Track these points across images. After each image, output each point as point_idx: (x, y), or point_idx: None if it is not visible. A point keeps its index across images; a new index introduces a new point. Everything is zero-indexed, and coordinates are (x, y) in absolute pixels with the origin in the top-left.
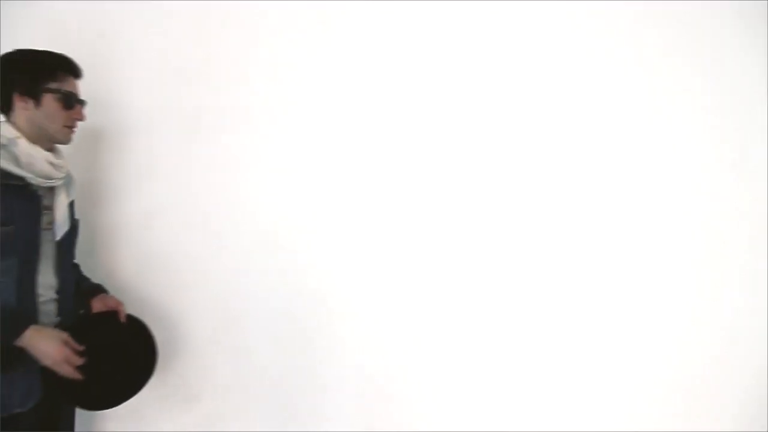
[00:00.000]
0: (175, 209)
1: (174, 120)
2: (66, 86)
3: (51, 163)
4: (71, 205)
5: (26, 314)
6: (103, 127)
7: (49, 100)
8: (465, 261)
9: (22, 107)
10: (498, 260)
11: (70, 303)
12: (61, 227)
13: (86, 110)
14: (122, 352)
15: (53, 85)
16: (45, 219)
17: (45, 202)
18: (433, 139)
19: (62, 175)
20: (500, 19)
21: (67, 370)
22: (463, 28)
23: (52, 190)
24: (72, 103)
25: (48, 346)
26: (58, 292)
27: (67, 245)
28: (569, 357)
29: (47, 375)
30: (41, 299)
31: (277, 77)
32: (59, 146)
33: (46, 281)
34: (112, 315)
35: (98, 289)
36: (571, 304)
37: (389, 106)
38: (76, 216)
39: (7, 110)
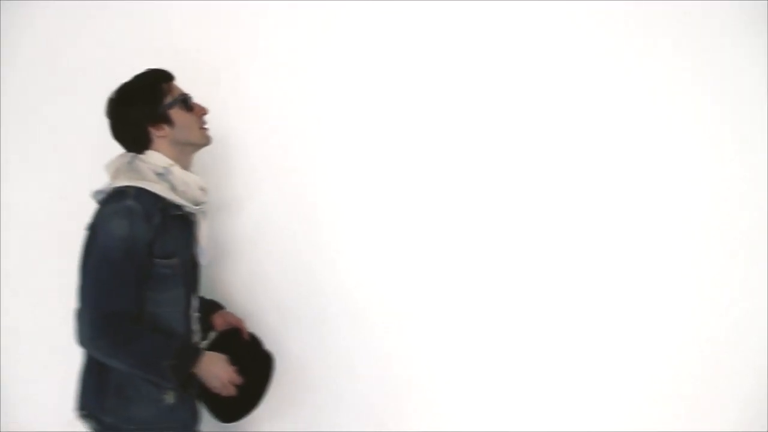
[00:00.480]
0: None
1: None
2: (176, 92)
3: (201, 188)
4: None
5: (192, 339)
6: None
7: (176, 114)
8: (469, 263)
9: (161, 134)
10: (502, 261)
11: (204, 321)
12: (206, 251)
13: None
14: (248, 366)
15: (169, 99)
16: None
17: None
18: (437, 139)
19: (207, 198)
20: (500, 20)
21: (230, 390)
22: (463, 28)
23: (194, 215)
24: (189, 103)
25: (219, 369)
26: (199, 311)
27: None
28: (571, 357)
29: (205, 396)
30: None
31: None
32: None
33: (194, 303)
34: (235, 331)
35: (216, 305)
36: (571, 304)
37: (390, 105)
38: None
39: (146, 145)
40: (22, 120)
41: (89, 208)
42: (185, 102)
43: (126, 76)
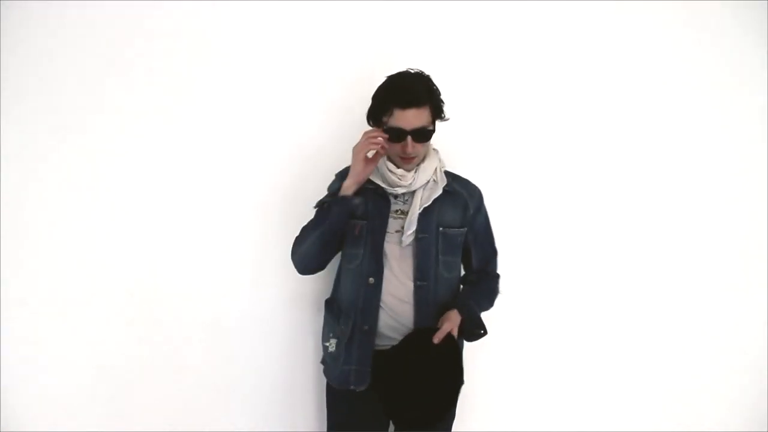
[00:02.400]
0: None
1: None
2: (395, 120)
3: (395, 174)
4: (430, 213)
5: (367, 313)
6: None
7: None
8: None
9: None
10: (505, 261)
11: (428, 314)
12: (407, 232)
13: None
14: (437, 369)
15: (385, 119)
16: (396, 223)
17: (399, 207)
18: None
19: (405, 185)
20: (501, 19)
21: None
22: (465, 28)
23: (412, 195)
24: (398, 137)
25: (353, 158)
26: (414, 299)
27: (429, 253)
28: (571, 357)
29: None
30: (388, 304)
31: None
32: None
33: (394, 287)
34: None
35: (462, 307)
36: (571, 304)
37: None
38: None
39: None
40: (22, 119)
41: (89, 208)
42: (393, 133)
43: (127, 76)
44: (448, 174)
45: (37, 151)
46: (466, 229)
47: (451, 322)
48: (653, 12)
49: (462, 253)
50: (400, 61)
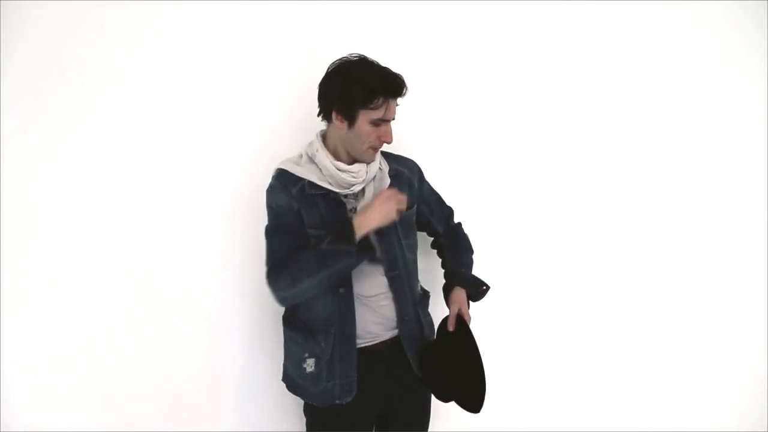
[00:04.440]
0: None
1: None
2: (380, 113)
3: (349, 173)
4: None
5: (345, 323)
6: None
7: (362, 123)
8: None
9: (338, 125)
10: (507, 262)
11: (406, 301)
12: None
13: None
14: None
15: (367, 110)
16: None
17: (352, 205)
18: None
19: (359, 181)
20: (500, 19)
21: (397, 203)
22: (467, 28)
23: (362, 191)
24: (381, 124)
25: (374, 209)
26: (391, 290)
27: (393, 242)
28: (570, 358)
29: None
30: (367, 303)
31: None
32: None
33: (368, 286)
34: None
35: (457, 278)
36: (570, 304)
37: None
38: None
39: (327, 119)
40: (22, 119)
41: (89, 208)
42: (378, 123)
43: (128, 76)
44: (383, 157)
45: (37, 151)
46: (415, 205)
47: (457, 303)
48: (653, 12)
49: (419, 227)
50: (395, 62)
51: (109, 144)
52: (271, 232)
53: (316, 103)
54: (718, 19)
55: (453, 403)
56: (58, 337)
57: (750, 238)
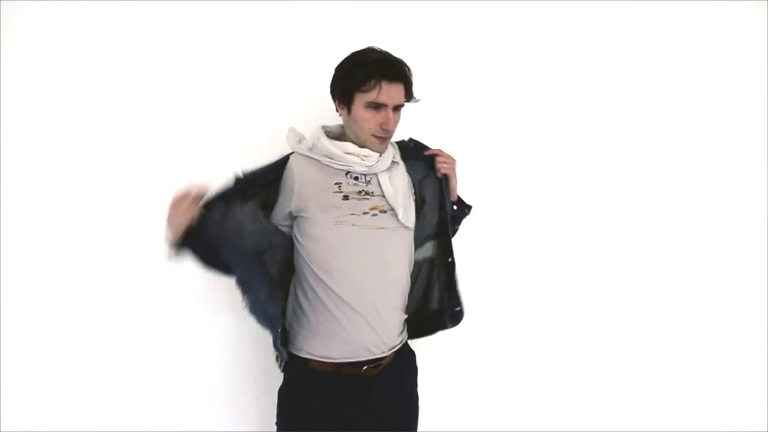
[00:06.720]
0: None
1: None
2: (373, 95)
3: (353, 154)
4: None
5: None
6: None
7: (358, 106)
8: (474, 263)
9: (341, 113)
10: (507, 263)
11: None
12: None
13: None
14: None
15: (361, 93)
16: (363, 204)
17: (362, 188)
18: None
19: (369, 165)
20: (499, 18)
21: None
22: (468, 28)
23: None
24: (380, 110)
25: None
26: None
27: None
28: (570, 358)
29: None
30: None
31: None
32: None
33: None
34: None
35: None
36: (570, 305)
37: None
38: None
39: (338, 111)
40: (22, 119)
41: (89, 207)
42: (375, 107)
43: (128, 75)
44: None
45: (37, 151)
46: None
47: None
48: (653, 12)
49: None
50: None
51: (109, 144)
52: None
53: (321, 105)
54: (718, 19)
55: (446, 405)
56: (58, 337)
57: (750, 238)
